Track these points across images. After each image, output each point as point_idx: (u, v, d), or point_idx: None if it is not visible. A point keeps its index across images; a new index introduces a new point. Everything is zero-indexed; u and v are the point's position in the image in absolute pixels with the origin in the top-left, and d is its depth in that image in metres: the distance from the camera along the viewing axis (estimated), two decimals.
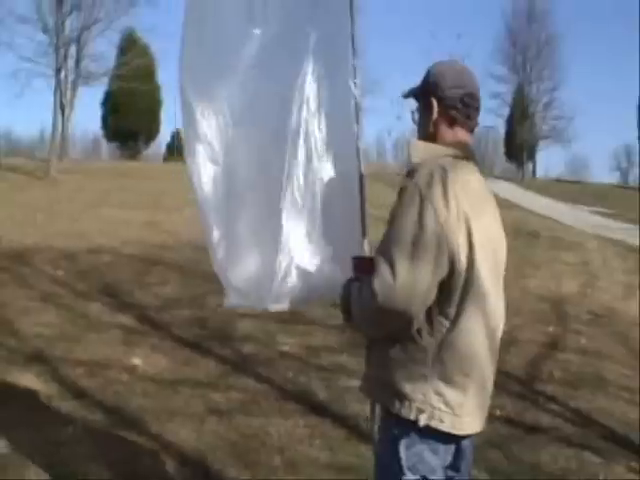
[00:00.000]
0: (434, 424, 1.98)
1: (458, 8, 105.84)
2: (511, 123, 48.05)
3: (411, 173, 2.02)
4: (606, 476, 3.87)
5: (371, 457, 2.59)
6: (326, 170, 2.56)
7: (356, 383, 4.85)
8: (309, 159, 2.54)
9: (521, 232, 13.65)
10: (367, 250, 2.44)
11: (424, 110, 2.18)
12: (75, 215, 14.43)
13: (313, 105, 2.54)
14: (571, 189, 35.73)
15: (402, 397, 1.99)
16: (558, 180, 48.33)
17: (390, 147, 67.45)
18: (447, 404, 1.98)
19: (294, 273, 2.53)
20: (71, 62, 26.93)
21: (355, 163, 2.51)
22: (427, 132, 2.16)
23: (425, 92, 2.16)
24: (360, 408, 4.24)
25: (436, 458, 2.03)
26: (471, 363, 2.01)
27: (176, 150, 48.84)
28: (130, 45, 34.47)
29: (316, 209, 2.55)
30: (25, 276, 8.54)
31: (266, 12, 2.58)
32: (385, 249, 1.94)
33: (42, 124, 77.97)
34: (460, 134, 2.14)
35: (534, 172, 50.40)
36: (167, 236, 11.95)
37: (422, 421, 1.97)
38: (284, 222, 2.53)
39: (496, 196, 2.31)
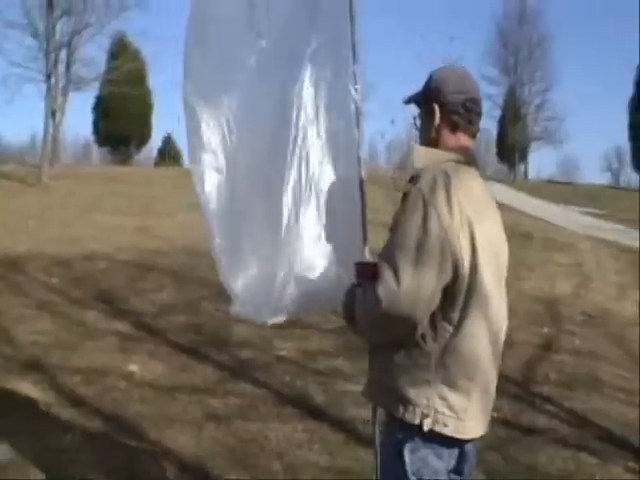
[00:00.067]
0: (438, 428, 1.98)
1: (449, 10, 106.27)
2: (503, 124, 47.96)
3: (414, 179, 2.02)
4: (603, 477, 3.90)
5: (370, 461, 2.59)
6: (326, 176, 2.56)
7: (353, 387, 4.91)
8: (307, 166, 2.54)
9: (514, 233, 13.67)
10: (368, 256, 2.43)
11: (426, 116, 2.18)
12: (67, 221, 14.38)
13: (311, 112, 2.54)
14: (563, 190, 35.84)
15: (406, 402, 2.00)
16: (550, 181, 48.52)
17: (383, 150, 67.44)
18: (451, 408, 1.99)
19: (293, 284, 2.52)
20: (62, 67, 26.64)
21: (356, 168, 2.50)
22: (429, 138, 2.16)
23: (427, 98, 2.16)
24: (358, 412, 4.24)
25: (440, 462, 2.03)
26: (475, 367, 2.02)
27: (167, 155, 48.81)
28: (121, 49, 34.32)
29: (316, 215, 2.55)
30: (20, 283, 8.50)
31: (267, 20, 2.59)
32: (389, 255, 1.94)
33: (32, 129, 77.61)
34: (462, 139, 2.14)
35: (526, 173, 50.46)
36: (161, 241, 11.92)
37: (426, 425, 1.98)
38: (284, 232, 2.52)
39: None
